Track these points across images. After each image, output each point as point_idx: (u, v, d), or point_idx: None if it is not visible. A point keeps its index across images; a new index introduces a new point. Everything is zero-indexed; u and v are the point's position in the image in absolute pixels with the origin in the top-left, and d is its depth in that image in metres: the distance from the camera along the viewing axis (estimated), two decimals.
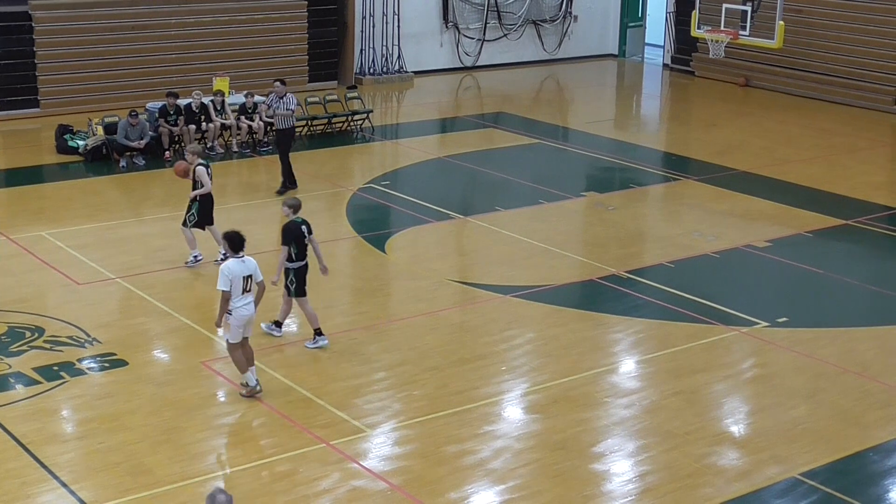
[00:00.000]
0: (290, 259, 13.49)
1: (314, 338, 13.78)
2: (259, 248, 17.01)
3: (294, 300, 13.70)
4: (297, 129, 21.30)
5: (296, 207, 13.72)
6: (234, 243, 12.25)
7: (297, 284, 13.55)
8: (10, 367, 12.95)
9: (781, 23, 24.90)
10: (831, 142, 25.10)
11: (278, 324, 14.01)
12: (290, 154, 20.16)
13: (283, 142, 20.09)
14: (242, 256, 12.23)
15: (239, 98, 23.50)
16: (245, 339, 12.35)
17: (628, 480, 11.05)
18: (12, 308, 14.63)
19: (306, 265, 13.63)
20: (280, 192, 19.65)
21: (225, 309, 12.11)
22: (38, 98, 25.44)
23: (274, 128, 20.87)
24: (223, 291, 12.03)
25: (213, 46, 27.33)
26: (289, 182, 20.02)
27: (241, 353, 12.33)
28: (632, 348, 14.23)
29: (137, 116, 21.76)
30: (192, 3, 27.25)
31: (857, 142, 25.13)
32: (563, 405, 12.47)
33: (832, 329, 14.80)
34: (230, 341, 12.30)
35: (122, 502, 10.39)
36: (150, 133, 21.86)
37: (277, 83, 19.82)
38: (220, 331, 12.68)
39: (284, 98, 19.58)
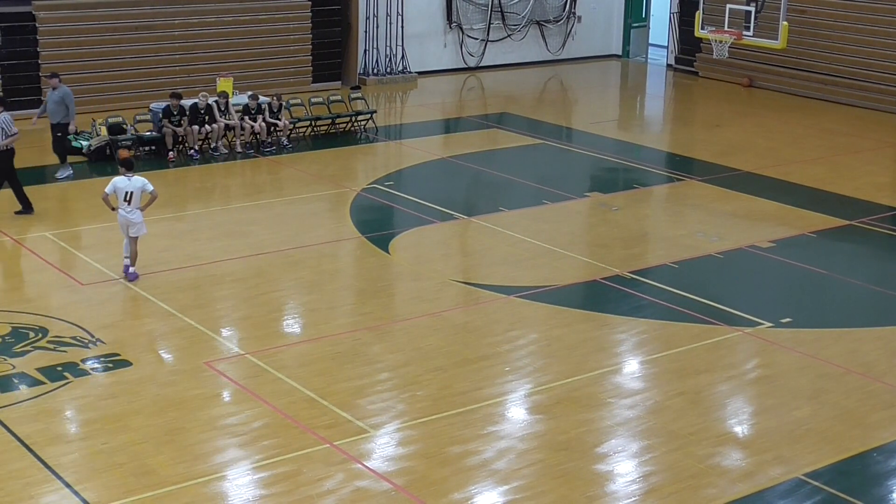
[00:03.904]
0: None
1: None
2: (263, 249, 17.07)
3: None
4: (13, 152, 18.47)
5: None
6: None
7: None
8: (14, 367, 12.96)
9: (785, 23, 24.90)
10: (835, 142, 25.08)
11: None
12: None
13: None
14: None
15: (242, 99, 23.53)
16: None
17: (632, 481, 11.04)
18: (16, 308, 14.65)
19: None
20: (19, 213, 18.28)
21: None
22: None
23: None
24: None
25: (217, 47, 27.36)
26: (25, 206, 18.46)
27: None
28: (635, 349, 14.22)
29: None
30: (197, 3, 27.28)
31: (862, 142, 25.10)
32: (567, 406, 12.46)
33: (836, 330, 14.78)
34: None
35: (125, 503, 10.39)
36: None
37: None
38: None
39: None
